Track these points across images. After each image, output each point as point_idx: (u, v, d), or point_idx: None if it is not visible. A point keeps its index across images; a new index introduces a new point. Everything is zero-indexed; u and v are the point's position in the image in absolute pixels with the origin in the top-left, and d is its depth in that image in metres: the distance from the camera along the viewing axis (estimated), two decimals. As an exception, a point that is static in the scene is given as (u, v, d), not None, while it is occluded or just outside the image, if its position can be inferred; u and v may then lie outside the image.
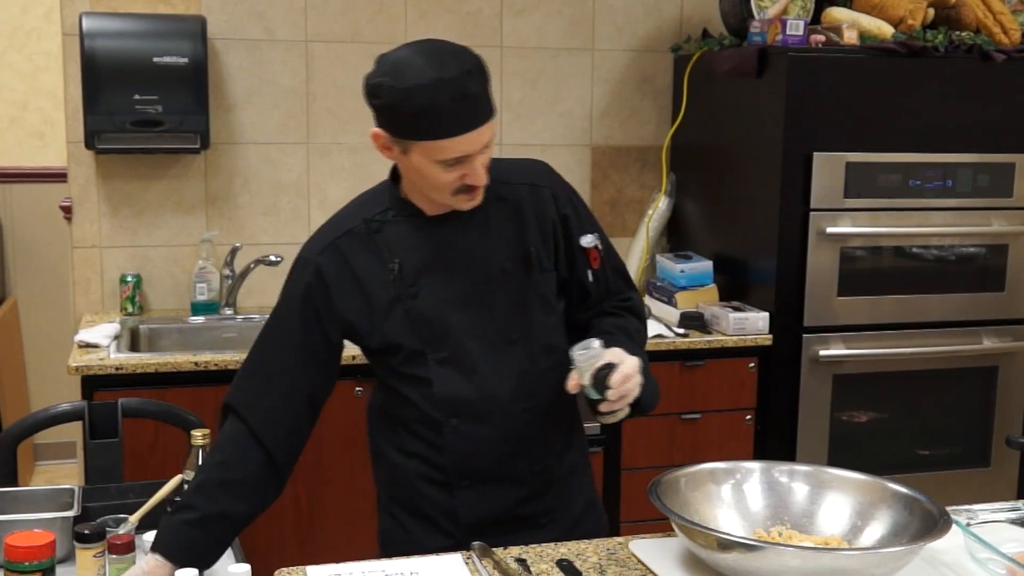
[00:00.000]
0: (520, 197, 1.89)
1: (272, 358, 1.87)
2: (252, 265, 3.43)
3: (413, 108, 1.69)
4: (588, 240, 1.93)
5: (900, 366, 3.37)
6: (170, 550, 1.72)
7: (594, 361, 1.73)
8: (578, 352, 1.74)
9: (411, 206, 1.86)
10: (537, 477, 1.90)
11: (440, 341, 1.84)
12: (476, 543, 1.75)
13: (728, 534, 1.64)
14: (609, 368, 1.72)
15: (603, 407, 1.75)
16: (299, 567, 1.66)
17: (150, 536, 1.69)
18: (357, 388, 3.00)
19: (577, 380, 1.75)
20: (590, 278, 1.94)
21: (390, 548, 1.94)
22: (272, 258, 3.41)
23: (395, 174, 1.90)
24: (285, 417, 1.86)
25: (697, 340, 3.23)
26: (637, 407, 1.80)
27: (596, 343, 1.74)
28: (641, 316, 2.01)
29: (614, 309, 1.97)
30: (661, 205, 3.74)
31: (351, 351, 3.00)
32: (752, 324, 3.24)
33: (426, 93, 1.68)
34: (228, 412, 1.86)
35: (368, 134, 3.82)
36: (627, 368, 1.73)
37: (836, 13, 3.40)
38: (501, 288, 1.86)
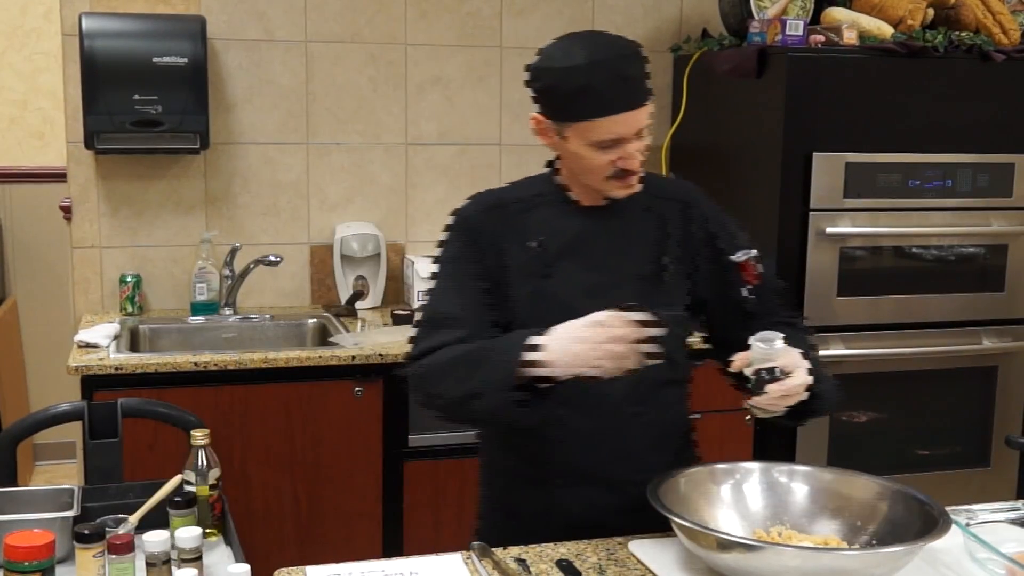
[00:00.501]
0: (667, 212, 1.93)
1: (458, 300, 1.88)
2: (252, 265, 3.43)
3: (569, 88, 1.75)
4: (740, 254, 1.93)
5: (900, 366, 3.37)
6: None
7: (768, 357, 1.72)
8: (758, 342, 1.73)
9: (563, 193, 1.90)
10: (636, 489, 1.86)
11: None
12: (475, 543, 1.75)
13: (727, 534, 1.64)
14: (772, 374, 1.71)
15: (752, 399, 1.75)
16: (298, 567, 1.66)
17: (150, 536, 1.69)
18: (356, 388, 3.00)
19: (742, 363, 1.75)
20: (747, 294, 1.92)
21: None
22: (272, 258, 3.41)
23: (553, 163, 1.95)
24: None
25: (697, 340, 3.22)
26: (797, 417, 1.79)
27: (780, 342, 1.73)
28: (807, 332, 1.96)
29: (778, 325, 1.93)
30: (661, 205, 3.74)
31: (350, 352, 3.01)
32: (752, 324, 3.24)
33: (582, 73, 1.74)
34: (433, 351, 1.83)
35: (367, 134, 3.84)
36: (791, 385, 1.71)
37: (835, 13, 3.40)
38: (633, 291, 1.87)
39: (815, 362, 1.82)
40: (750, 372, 1.74)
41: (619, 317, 1.69)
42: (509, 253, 1.88)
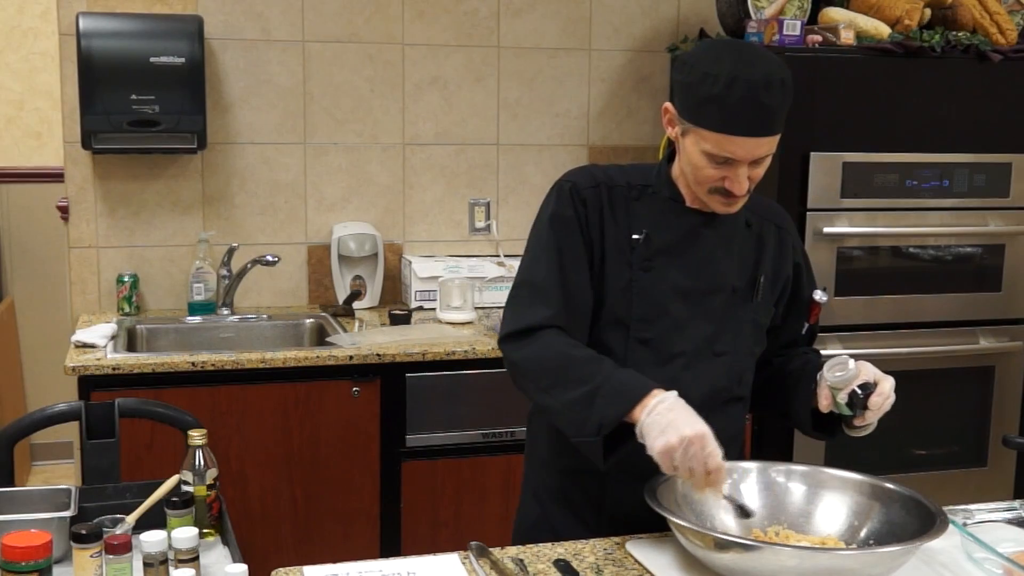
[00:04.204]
0: (765, 232, 1.94)
1: (557, 271, 1.85)
2: (249, 265, 3.43)
3: (702, 93, 1.72)
4: (820, 295, 1.96)
5: (897, 366, 3.34)
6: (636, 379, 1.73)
7: (852, 378, 1.76)
8: (835, 373, 1.77)
9: (674, 188, 1.88)
10: None
11: (650, 321, 1.85)
12: (473, 543, 1.75)
13: (725, 534, 1.64)
14: (867, 388, 1.75)
15: (857, 422, 1.78)
16: (296, 567, 1.66)
17: (147, 536, 1.69)
18: (354, 388, 3.00)
19: (829, 400, 1.78)
20: (803, 331, 1.99)
21: (525, 530, 1.97)
22: (269, 258, 3.41)
23: (670, 157, 1.92)
24: (582, 327, 1.86)
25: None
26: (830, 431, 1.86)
27: (851, 362, 1.76)
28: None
29: (802, 354, 2.00)
30: (658, 205, 3.74)
31: (348, 351, 3.01)
32: (749, 324, 3.24)
33: (719, 83, 1.70)
34: (532, 332, 1.82)
35: (365, 134, 3.84)
36: (885, 388, 1.76)
37: (833, 13, 3.40)
38: (726, 301, 1.88)
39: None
40: (842, 398, 1.77)
41: (709, 446, 1.64)
42: (609, 236, 1.87)
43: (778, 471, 1.85)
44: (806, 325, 1.99)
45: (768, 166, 1.81)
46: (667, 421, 1.65)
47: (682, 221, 1.87)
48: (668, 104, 1.83)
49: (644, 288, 1.86)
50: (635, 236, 1.86)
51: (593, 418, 1.71)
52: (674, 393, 1.70)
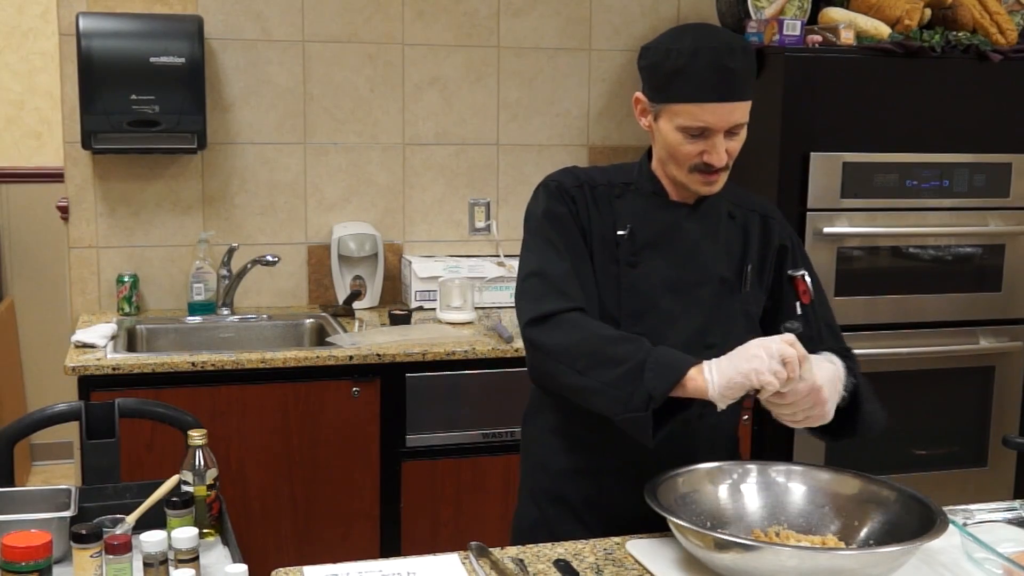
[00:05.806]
0: (749, 222, 1.95)
1: (567, 262, 1.85)
2: (249, 265, 3.43)
3: (668, 68, 1.77)
4: (796, 271, 1.95)
5: (897, 366, 3.37)
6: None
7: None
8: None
9: (656, 183, 1.90)
10: None
11: (641, 316, 1.85)
12: (473, 543, 1.75)
13: (725, 534, 1.64)
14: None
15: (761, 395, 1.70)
16: (296, 567, 1.66)
17: (147, 536, 1.69)
18: (354, 388, 3.00)
19: None
20: (799, 311, 1.94)
21: (523, 533, 1.97)
22: (269, 258, 3.41)
23: (648, 153, 1.94)
24: (595, 314, 1.85)
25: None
26: (835, 433, 1.81)
27: (795, 326, 1.73)
28: (856, 366, 1.91)
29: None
30: (658, 205, 3.74)
31: (348, 352, 3.01)
32: (749, 324, 3.24)
33: (683, 55, 1.76)
34: (555, 315, 1.80)
35: (365, 134, 3.83)
36: (804, 380, 1.65)
37: (833, 13, 3.40)
38: (714, 293, 1.88)
39: (860, 383, 1.83)
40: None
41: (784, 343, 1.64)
42: (596, 233, 1.88)
43: (778, 471, 1.85)
44: (798, 305, 1.95)
45: (744, 139, 1.82)
46: (738, 357, 1.65)
47: (665, 214, 1.89)
48: (638, 94, 1.86)
49: (632, 283, 1.87)
50: (620, 232, 1.88)
51: (641, 392, 1.68)
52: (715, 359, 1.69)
